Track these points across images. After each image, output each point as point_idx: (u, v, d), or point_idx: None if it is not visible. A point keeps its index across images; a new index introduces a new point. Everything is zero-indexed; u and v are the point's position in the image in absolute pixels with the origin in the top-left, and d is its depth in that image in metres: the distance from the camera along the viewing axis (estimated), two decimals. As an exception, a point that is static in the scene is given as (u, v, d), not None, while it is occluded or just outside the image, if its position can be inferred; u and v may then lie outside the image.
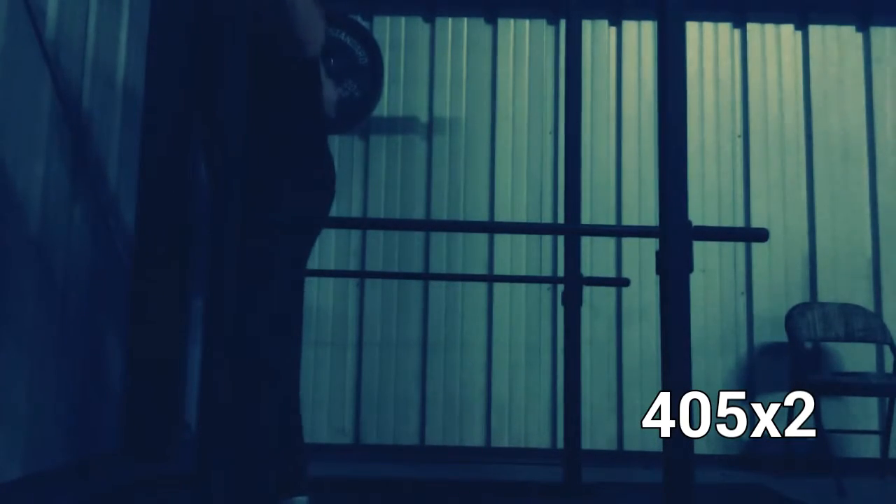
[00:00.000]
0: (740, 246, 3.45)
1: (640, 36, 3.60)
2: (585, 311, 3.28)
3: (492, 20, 3.60)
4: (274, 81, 1.89)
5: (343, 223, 3.17)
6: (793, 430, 3.16)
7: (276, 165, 1.89)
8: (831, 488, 2.79)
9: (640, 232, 3.07)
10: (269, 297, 1.79)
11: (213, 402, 1.55)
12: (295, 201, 1.90)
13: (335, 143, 3.50)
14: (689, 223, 1.53)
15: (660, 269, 1.52)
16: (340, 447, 3.31)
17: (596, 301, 3.40)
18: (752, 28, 3.60)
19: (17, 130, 2.26)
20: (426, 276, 3.33)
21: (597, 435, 3.34)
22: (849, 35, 3.59)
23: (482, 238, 3.45)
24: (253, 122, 1.77)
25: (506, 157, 3.50)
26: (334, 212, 3.45)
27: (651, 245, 3.40)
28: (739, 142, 3.54)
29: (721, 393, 3.36)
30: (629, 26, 3.60)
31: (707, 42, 3.60)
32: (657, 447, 3.25)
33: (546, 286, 3.42)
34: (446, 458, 3.29)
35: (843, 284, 3.42)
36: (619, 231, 3.48)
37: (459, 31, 3.59)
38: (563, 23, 3.54)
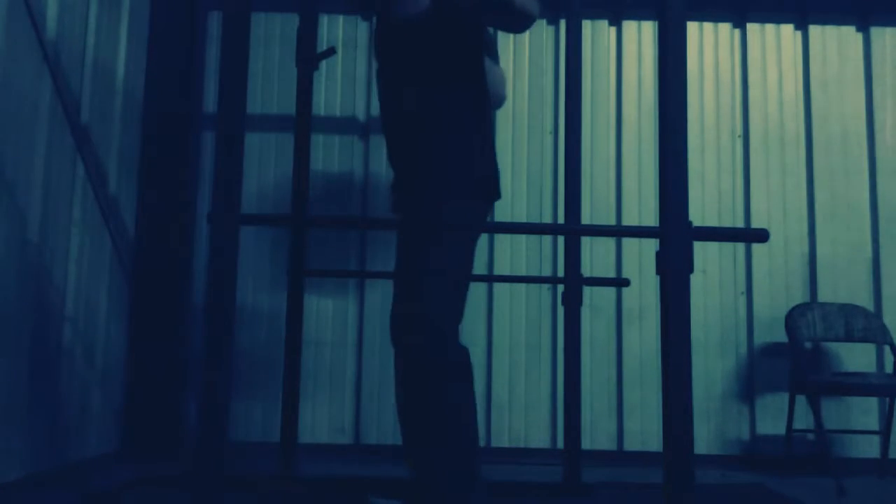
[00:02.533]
0: (740, 246, 3.45)
1: (640, 36, 3.60)
2: (585, 312, 3.28)
3: (492, 20, 3.60)
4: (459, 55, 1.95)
5: (343, 223, 3.17)
6: (793, 431, 3.16)
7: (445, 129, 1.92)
8: (831, 488, 2.79)
9: (641, 232, 3.07)
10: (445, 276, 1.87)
11: (212, 402, 1.55)
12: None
13: (335, 142, 3.50)
14: (690, 223, 1.53)
15: (660, 270, 1.52)
16: (340, 447, 3.31)
17: (596, 301, 3.40)
18: (753, 28, 3.60)
19: (17, 130, 2.26)
20: (426, 276, 3.32)
21: (597, 435, 3.34)
22: (849, 35, 3.59)
23: (482, 238, 3.44)
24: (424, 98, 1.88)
25: (505, 158, 3.50)
26: (334, 211, 3.45)
27: (651, 245, 3.40)
28: (739, 142, 3.54)
29: (721, 393, 3.36)
30: (629, 26, 3.60)
31: (707, 42, 3.60)
32: (657, 447, 3.26)
33: (546, 286, 3.42)
34: (446, 458, 3.28)
35: (844, 284, 3.42)
36: (619, 231, 3.49)
37: (459, 31, 3.58)
38: (563, 23, 3.54)
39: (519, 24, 1.87)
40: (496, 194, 1.99)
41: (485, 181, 1.95)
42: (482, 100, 1.99)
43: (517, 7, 1.79)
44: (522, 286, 3.41)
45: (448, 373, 1.83)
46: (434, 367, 1.81)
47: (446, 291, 1.88)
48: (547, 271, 3.42)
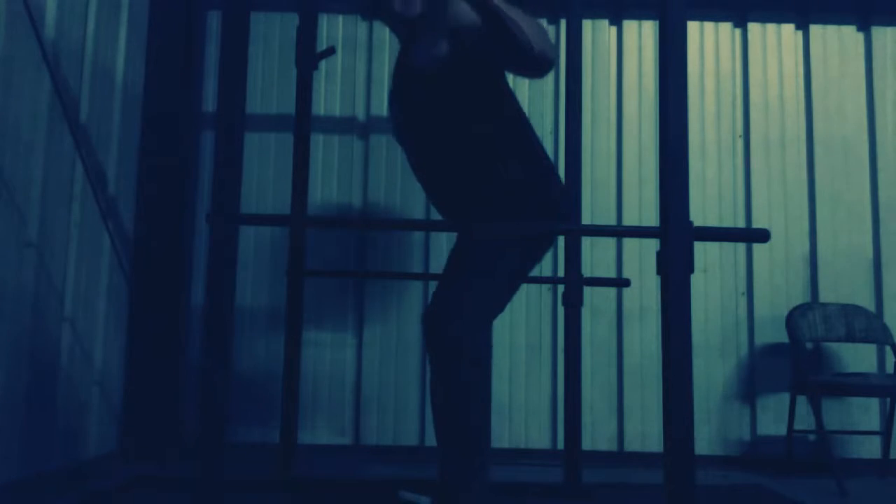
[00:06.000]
0: (741, 246, 3.45)
1: (641, 35, 3.59)
2: (586, 312, 3.27)
3: (492, 20, 3.59)
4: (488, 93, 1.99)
5: (343, 223, 3.17)
6: (794, 431, 3.16)
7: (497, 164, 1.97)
8: (832, 489, 2.79)
9: (641, 232, 3.07)
10: (485, 292, 1.96)
11: (212, 403, 1.55)
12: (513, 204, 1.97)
13: (335, 142, 3.49)
14: (690, 223, 1.52)
15: (660, 270, 1.52)
16: (340, 447, 3.30)
17: (596, 301, 3.40)
18: (753, 28, 3.59)
19: (16, 130, 2.26)
20: (426, 276, 3.32)
21: (597, 435, 3.33)
22: (850, 35, 3.59)
23: (482, 238, 3.43)
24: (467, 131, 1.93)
25: (506, 157, 3.49)
26: (334, 211, 3.45)
27: (652, 245, 3.38)
28: (740, 142, 3.54)
29: (722, 394, 3.36)
30: (630, 26, 3.60)
31: (708, 42, 3.59)
32: (658, 448, 3.25)
33: (546, 286, 3.41)
34: (446, 459, 3.27)
35: (844, 285, 3.42)
36: (619, 231, 3.48)
37: (460, 31, 3.58)
38: (563, 22, 3.53)
39: (538, 70, 1.87)
40: (566, 215, 2.03)
41: (548, 203, 1.97)
42: (519, 127, 2.00)
43: (537, 54, 1.78)
44: (522, 286, 3.39)
45: (463, 361, 1.83)
46: (452, 354, 1.82)
47: (486, 299, 1.97)
48: (547, 271, 3.41)
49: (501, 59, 1.89)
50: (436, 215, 3.46)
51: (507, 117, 2.01)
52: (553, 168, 2.07)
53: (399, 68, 2.08)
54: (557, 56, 1.92)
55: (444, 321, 1.86)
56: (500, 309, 2.02)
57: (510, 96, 2.04)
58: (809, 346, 3.36)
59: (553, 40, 1.95)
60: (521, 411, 3.36)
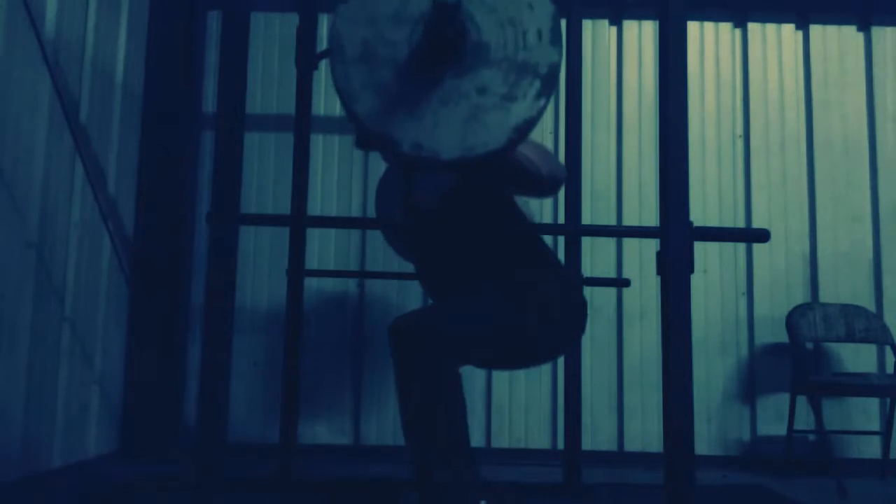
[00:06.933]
0: (741, 246, 3.45)
1: (641, 35, 3.59)
2: (586, 312, 3.27)
3: (492, 20, 3.59)
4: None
5: (343, 223, 3.16)
6: (794, 431, 3.16)
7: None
8: (832, 489, 2.79)
9: (641, 232, 3.07)
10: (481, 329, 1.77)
11: (211, 404, 1.55)
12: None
13: (335, 142, 3.49)
14: (691, 224, 1.52)
15: (660, 270, 1.52)
16: (340, 447, 3.30)
17: (596, 301, 3.39)
18: (753, 28, 3.59)
19: (16, 130, 2.26)
20: (426, 277, 3.32)
21: (597, 435, 3.33)
22: (850, 35, 3.59)
23: (482, 238, 3.43)
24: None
25: (506, 157, 3.49)
26: (333, 211, 3.45)
27: (652, 245, 3.39)
28: (740, 142, 3.54)
29: (722, 394, 3.36)
30: (630, 26, 3.60)
31: (708, 42, 3.59)
32: (658, 448, 3.25)
33: (546, 286, 3.41)
34: (446, 459, 3.27)
35: (845, 285, 3.42)
36: (619, 231, 3.48)
37: (460, 31, 3.58)
38: (563, 22, 3.53)
39: (548, 192, 1.81)
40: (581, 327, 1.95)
41: (572, 309, 1.89)
42: (532, 236, 1.97)
43: (546, 179, 1.73)
44: (523, 286, 3.40)
45: (426, 349, 1.72)
46: (413, 343, 1.70)
47: (477, 331, 1.77)
48: (547, 271, 3.41)
49: (510, 188, 1.85)
50: (436, 215, 3.46)
51: (519, 228, 1.96)
52: (570, 274, 1.99)
53: (387, 187, 2.01)
54: (565, 172, 1.85)
55: (412, 324, 1.70)
56: (474, 355, 1.85)
57: (517, 208, 1.99)
58: (809, 346, 3.36)
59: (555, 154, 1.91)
60: (521, 411, 3.36)
